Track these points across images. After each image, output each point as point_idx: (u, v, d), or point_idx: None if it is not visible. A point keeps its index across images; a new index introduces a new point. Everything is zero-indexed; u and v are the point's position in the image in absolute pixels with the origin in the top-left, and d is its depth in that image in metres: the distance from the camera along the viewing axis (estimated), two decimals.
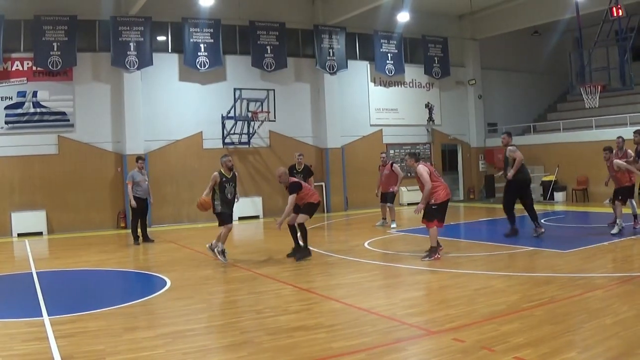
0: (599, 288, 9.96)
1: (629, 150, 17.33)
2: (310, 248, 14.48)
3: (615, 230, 15.58)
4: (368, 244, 16.27)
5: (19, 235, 21.20)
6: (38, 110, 22.26)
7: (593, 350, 6.81)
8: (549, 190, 27.49)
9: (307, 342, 7.44)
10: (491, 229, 19.27)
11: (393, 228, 19.65)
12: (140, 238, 18.35)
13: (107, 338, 7.85)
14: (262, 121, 24.18)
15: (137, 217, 18.27)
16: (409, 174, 23.24)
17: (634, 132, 16.93)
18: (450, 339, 7.38)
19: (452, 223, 20.82)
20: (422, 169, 13.33)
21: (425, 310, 9.12)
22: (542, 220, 19.72)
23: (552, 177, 26.91)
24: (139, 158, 18.59)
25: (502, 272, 11.68)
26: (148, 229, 19.09)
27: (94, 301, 10.16)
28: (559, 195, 27.23)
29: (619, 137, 17.84)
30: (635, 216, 16.94)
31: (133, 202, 17.81)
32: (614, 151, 16.99)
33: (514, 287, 10.25)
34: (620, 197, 15.94)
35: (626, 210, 16.37)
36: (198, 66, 24.16)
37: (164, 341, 7.68)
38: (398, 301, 9.68)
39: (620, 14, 20.06)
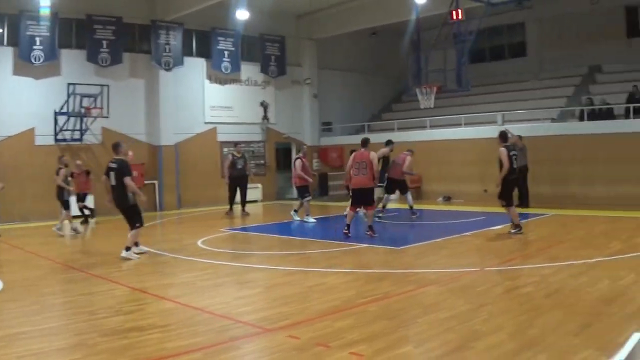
0: (433, 283, 10.38)
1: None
2: (145, 248, 14.50)
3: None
4: (201, 242, 16.24)
5: None
6: None
7: (428, 344, 7.09)
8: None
9: (141, 343, 7.43)
10: (325, 227, 19.54)
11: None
12: None
13: None
14: (95, 117, 23.71)
15: None
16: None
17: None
18: (285, 336, 7.51)
19: (285, 221, 21.14)
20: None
21: (259, 308, 9.18)
22: (375, 219, 20.33)
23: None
24: None
25: (336, 269, 11.92)
26: None
27: None
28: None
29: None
30: (411, 207, 18.41)
31: None
32: None
33: (347, 284, 10.51)
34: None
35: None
36: (33, 60, 23.27)
37: None
38: (232, 299, 9.75)
39: (460, 17, 20.67)
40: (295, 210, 20.76)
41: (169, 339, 7.61)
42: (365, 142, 16.17)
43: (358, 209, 16.66)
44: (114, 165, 13.80)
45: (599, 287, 9.50)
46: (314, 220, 20.04)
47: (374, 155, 15.86)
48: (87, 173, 21.09)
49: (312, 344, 7.18)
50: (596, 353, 6.46)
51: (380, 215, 19.50)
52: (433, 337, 7.31)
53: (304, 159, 20.19)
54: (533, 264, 11.75)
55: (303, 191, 20.28)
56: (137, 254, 14.05)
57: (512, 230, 15.69)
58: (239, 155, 23.00)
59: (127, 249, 13.84)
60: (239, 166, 22.86)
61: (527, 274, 10.84)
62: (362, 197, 15.89)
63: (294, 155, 31.10)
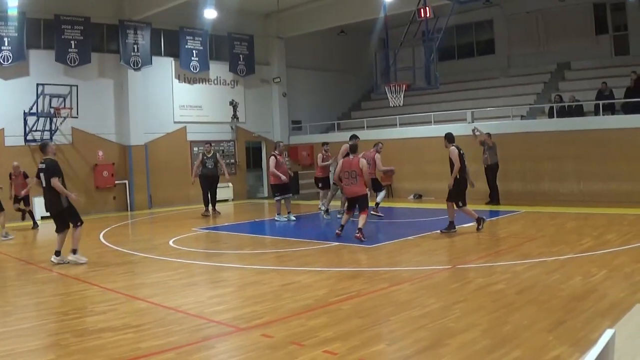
0: (405, 281, 10.38)
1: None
2: (117, 248, 14.40)
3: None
4: (173, 242, 16.19)
5: None
6: None
7: (402, 341, 7.10)
8: None
9: (115, 343, 7.39)
10: (297, 225, 19.53)
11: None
12: None
13: None
14: (65, 117, 23.51)
15: None
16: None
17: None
18: (259, 335, 7.50)
19: (256, 220, 21.14)
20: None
21: (232, 307, 9.17)
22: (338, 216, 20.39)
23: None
24: None
25: (309, 268, 11.93)
26: None
27: None
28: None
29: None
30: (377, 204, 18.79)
31: None
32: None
33: (320, 282, 10.53)
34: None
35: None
36: (1, 61, 22.99)
37: None
38: (204, 299, 9.73)
39: (429, 15, 20.70)
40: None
41: (142, 338, 7.57)
42: (354, 149, 16.10)
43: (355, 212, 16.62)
44: (42, 166, 13.32)
45: (571, 283, 9.56)
46: (285, 220, 19.98)
47: (363, 163, 15.71)
48: (25, 176, 20.59)
49: (286, 343, 7.18)
50: (570, 349, 6.49)
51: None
52: (406, 335, 7.33)
53: (278, 156, 19.99)
54: (505, 261, 11.80)
55: (274, 189, 20.24)
56: (59, 263, 13.32)
57: (479, 227, 15.79)
58: (208, 155, 22.88)
59: (74, 251, 13.36)
60: (209, 165, 22.73)
61: (500, 271, 10.88)
62: (356, 203, 15.89)
63: (264, 154, 31.20)
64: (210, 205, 23.01)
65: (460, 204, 15.71)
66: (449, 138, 16.06)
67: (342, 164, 15.71)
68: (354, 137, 19.27)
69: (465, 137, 22.11)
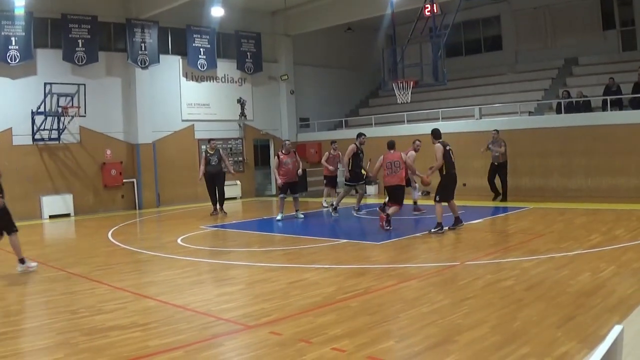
0: (414, 278, 10.38)
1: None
2: (125, 246, 14.41)
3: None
4: (181, 240, 16.20)
5: None
6: None
7: (411, 338, 7.08)
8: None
9: (123, 342, 7.39)
10: (304, 223, 19.53)
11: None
12: None
13: None
14: (73, 116, 23.47)
15: None
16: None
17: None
18: (267, 333, 7.50)
19: (265, 217, 21.14)
20: None
21: (240, 305, 9.16)
22: (355, 214, 20.39)
23: (363, 171, 27.67)
24: None
25: (316, 265, 11.94)
26: None
27: None
28: (370, 189, 27.51)
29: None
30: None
31: None
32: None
33: (328, 280, 10.50)
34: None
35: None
36: (8, 60, 23.05)
37: None
38: (213, 297, 9.72)
39: (436, 11, 20.62)
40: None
41: (150, 337, 7.57)
42: (392, 144, 16.36)
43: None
44: None
45: (580, 279, 9.53)
46: (280, 218, 19.85)
47: (405, 157, 16.32)
48: None
49: (294, 340, 7.17)
50: (579, 345, 6.47)
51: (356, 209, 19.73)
52: (415, 332, 7.31)
53: (281, 156, 19.84)
54: (514, 257, 11.77)
55: (278, 188, 20.26)
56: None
57: (438, 230, 15.30)
58: (211, 152, 22.63)
59: (22, 261, 12.54)
60: (213, 162, 22.38)
61: (508, 267, 10.86)
62: (393, 194, 16.27)
63: (272, 152, 31.22)
64: (218, 203, 22.81)
65: (438, 198, 15.53)
66: (435, 134, 16.00)
67: (384, 158, 16.08)
68: (360, 135, 19.25)
69: (474, 133, 22.07)
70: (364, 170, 20.69)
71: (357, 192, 20.55)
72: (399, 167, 15.84)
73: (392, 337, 7.31)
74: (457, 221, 15.75)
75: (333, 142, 22.28)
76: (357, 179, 19.80)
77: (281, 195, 20.09)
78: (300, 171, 20.04)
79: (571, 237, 13.75)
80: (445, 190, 15.62)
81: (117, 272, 12.23)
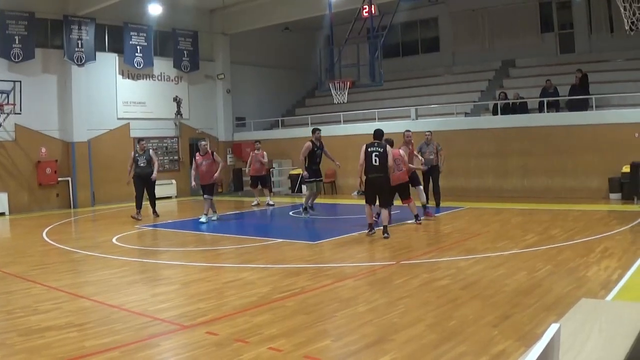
0: (349, 277, 10.44)
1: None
2: (60, 245, 14.21)
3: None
4: (116, 239, 16.05)
5: None
6: None
7: (348, 337, 7.12)
8: (296, 183, 27.76)
9: (59, 342, 7.29)
10: (239, 222, 19.51)
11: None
12: None
13: None
14: (8, 114, 23.16)
15: None
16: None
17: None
18: (204, 333, 7.48)
19: (199, 217, 21.02)
20: None
21: (176, 304, 9.11)
22: (291, 213, 20.40)
23: (299, 171, 27.66)
24: None
25: (252, 265, 11.93)
26: None
27: None
28: (306, 188, 27.48)
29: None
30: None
31: None
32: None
33: (264, 279, 10.50)
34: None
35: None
36: None
37: None
38: (148, 297, 9.65)
39: (374, 12, 20.69)
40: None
41: (86, 337, 7.47)
42: (391, 143, 15.87)
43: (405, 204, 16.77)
44: None
45: (516, 278, 9.67)
46: (205, 220, 19.32)
47: (402, 152, 16.44)
48: None
49: (231, 340, 7.16)
50: (516, 344, 6.56)
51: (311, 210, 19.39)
52: (352, 331, 7.36)
53: (197, 158, 19.63)
54: (449, 256, 11.90)
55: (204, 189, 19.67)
56: None
57: (370, 231, 15.01)
58: (141, 152, 21.40)
59: None
60: (141, 164, 21.15)
61: (444, 266, 10.96)
62: (400, 191, 16.37)
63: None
64: (142, 207, 21.34)
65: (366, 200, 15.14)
66: (376, 134, 15.31)
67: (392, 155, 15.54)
68: (316, 130, 19.15)
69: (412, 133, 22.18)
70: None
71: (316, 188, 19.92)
72: (400, 164, 15.86)
73: (328, 336, 7.32)
74: (370, 227, 15.17)
75: (256, 141, 22.26)
76: (315, 175, 19.49)
77: (205, 197, 19.59)
78: (217, 174, 19.42)
79: (507, 237, 13.93)
80: (366, 193, 15.27)
81: (53, 272, 12.06)
